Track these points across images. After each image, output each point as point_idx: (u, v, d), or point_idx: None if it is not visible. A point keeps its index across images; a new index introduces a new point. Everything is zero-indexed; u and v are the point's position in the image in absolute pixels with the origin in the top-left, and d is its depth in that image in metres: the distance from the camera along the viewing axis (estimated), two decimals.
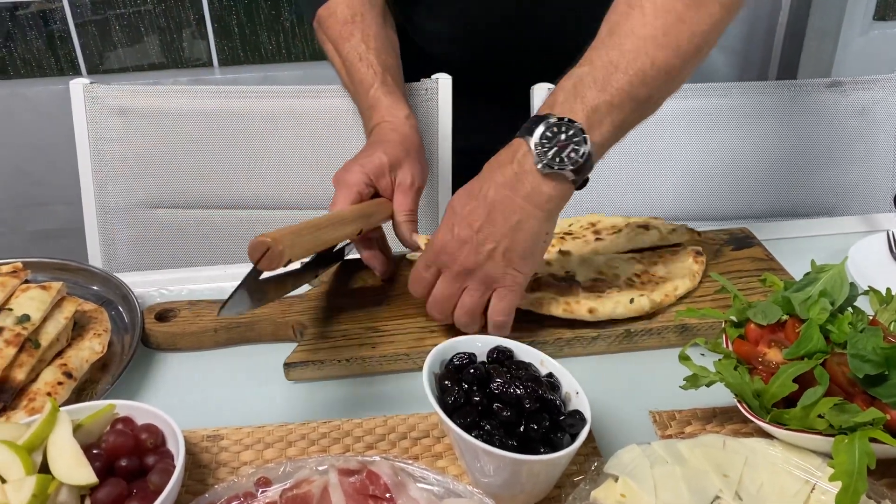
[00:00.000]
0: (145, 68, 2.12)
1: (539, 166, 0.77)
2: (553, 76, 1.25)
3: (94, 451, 0.68)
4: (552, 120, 0.77)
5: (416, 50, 1.31)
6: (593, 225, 1.05)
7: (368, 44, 1.04)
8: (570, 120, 0.77)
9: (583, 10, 1.19)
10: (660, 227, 1.01)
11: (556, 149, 0.76)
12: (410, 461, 0.71)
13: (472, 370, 0.71)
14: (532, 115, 0.82)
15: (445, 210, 0.83)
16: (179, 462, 0.67)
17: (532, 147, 0.77)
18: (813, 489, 0.67)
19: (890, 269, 1.03)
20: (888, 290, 0.81)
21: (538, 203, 0.78)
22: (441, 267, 0.82)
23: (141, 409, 0.73)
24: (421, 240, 0.93)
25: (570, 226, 1.06)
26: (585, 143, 0.77)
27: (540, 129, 0.77)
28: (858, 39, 2.24)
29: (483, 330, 0.83)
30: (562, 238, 1.02)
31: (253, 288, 0.76)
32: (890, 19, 2.32)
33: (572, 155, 0.76)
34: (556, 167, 0.77)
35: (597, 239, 1.01)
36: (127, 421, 0.72)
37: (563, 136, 0.76)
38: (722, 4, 0.81)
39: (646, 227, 1.02)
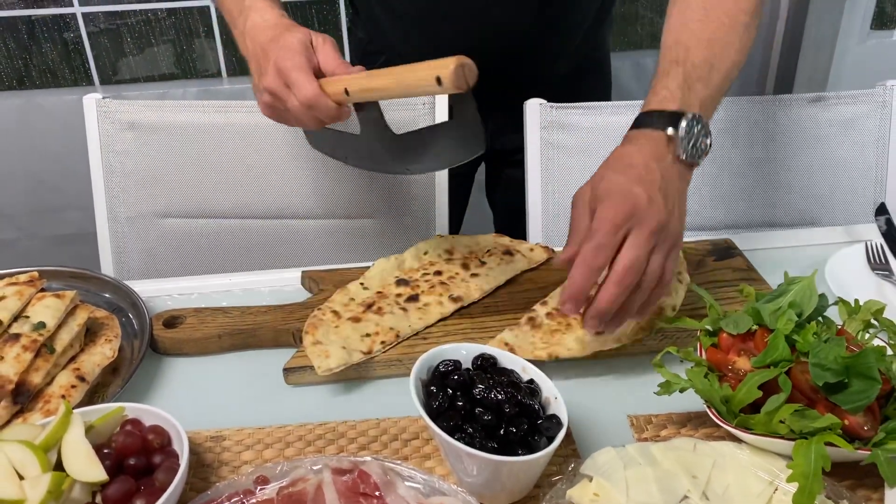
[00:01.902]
0: (156, 78, 2.18)
1: (684, 157, 0.85)
2: (538, 88, 1.30)
3: (105, 451, 0.73)
4: (689, 116, 0.85)
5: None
6: (450, 253, 1.08)
7: None
8: (700, 116, 0.86)
9: (561, 28, 1.26)
10: (522, 251, 1.06)
11: (693, 141, 0.85)
12: (400, 462, 0.75)
13: (456, 376, 0.75)
14: (641, 110, 0.90)
15: (592, 200, 0.81)
16: (184, 461, 0.72)
17: (679, 140, 0.84)
18: (776, 490, 0.71)
19: (868, 279, 1.07)
20: (856, 300, 0.85)
21: (685, 186, 0.87)
22: (634, 225, 0.79)
23: (148, 412, 0.78)
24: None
25: (425, 254, 1.08)
26: (709, 135, 0.86)
27: (683, 125, 0.84)
28: (856, 49, 2.27)
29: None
30: (437, 273, 1.04)
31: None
32: (887, 28, 2.34)
33: (702, 147, 0.86)
34: (696, 158, 0.86)
35: (473, 275, 1.03)
36: (135, 422, 0.77)
37: (695, 130, 0.85)
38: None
39: (509, 253, 1.06)
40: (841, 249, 1.10)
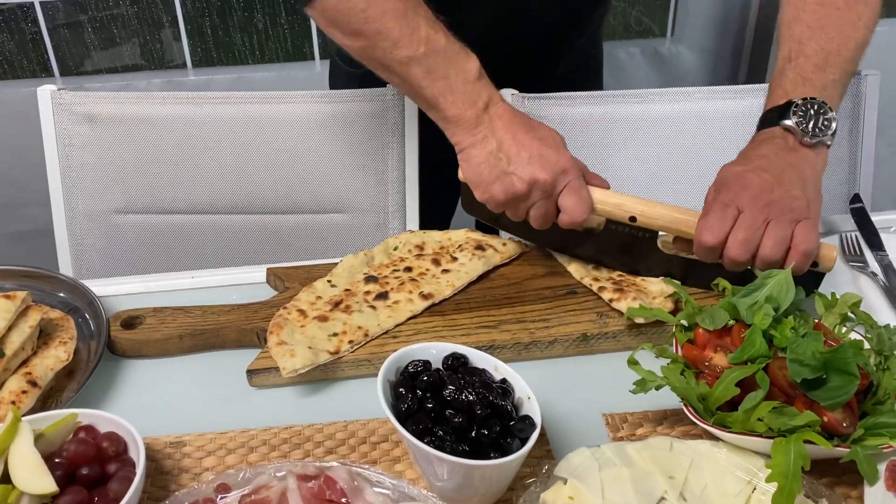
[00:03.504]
0: (119, 70, 2.12)
1: (809, 140, 0.90)
2: (536, 89, 1.27)
3: (56, 460, 0.70)
4: (799, 102, 0.91)
5: None
6: (421, 248, 1.04)
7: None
8: (815, 98, 0.92)
9: (580, 22, 1.23)
10: (494, 245, 1.04)
11: (812, 122, 0.91)
12: (367, 466, 0.73)
13: (425, 377, 0.72)
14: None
15: (715, 191, 0.91)
16: (139, 470, 0.69)
17: (793, 125, 0.91)
18: (754, 490, 0.70)
19: (842, 270, 1.05)
20: (833, 294, 0.84)
21: (814, 167, 0.92)
22: (745, 206, 0.87)
23: (103, 418, 0.74)
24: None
25: (395, 250, 1.05)
26: (830, 111, 0.92)
27: (792, 114, 0.91)
28: None
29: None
30: (405, 271, 1.00)
31: None
32: None
33: (824, 125, 0.91)
34: (823, 137, 0.91)
35: (444, 271, 1.00)
36: (89, 429, 0.74)
37: (811, 112, 0.91)
38: None
39: (481, 248, 1.03)
40: None
